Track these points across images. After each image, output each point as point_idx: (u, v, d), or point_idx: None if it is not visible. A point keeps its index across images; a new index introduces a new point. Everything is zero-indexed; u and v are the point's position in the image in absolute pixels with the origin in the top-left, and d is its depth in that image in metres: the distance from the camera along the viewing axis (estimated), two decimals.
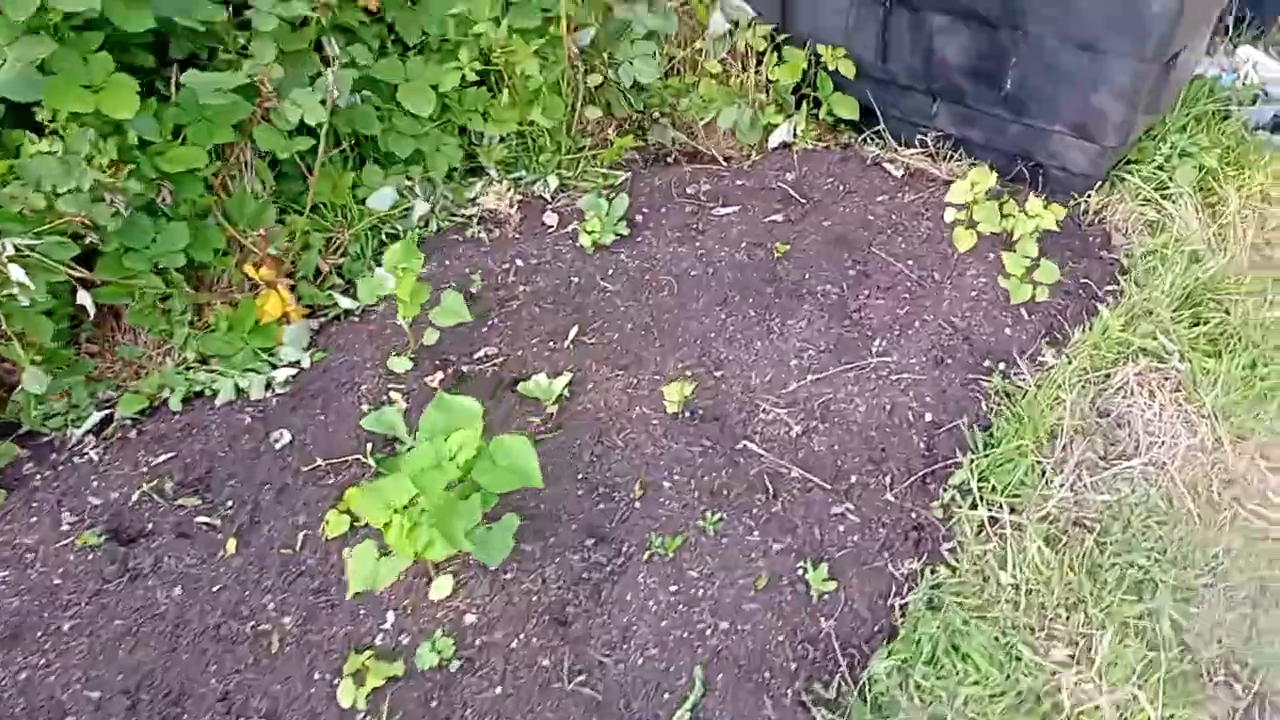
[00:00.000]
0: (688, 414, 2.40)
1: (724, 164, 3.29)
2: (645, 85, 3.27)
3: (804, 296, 2.71)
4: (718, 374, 2.50)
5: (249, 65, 2.58)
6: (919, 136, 3.27)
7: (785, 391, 2.44)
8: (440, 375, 2.53)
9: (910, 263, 2.79)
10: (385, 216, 2.95)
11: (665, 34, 3.28)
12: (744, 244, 2.89)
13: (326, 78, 2.67)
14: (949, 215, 2.75)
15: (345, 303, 2.75)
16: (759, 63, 3.35)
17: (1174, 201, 3.02)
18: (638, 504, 2.21)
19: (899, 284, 2.73)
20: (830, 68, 3.19)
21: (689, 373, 2.50)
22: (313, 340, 2.68)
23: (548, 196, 3.17)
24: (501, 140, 3.20)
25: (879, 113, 3.32)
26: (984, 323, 2.61)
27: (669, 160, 3.42)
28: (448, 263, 2.89)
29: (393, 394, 2.47)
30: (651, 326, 2.64)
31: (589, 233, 2.87)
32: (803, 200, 3.07)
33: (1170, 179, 3.07)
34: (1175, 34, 2.55)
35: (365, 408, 2.43)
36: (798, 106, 3.39)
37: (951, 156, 3.24)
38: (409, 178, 3.04)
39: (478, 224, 3.03)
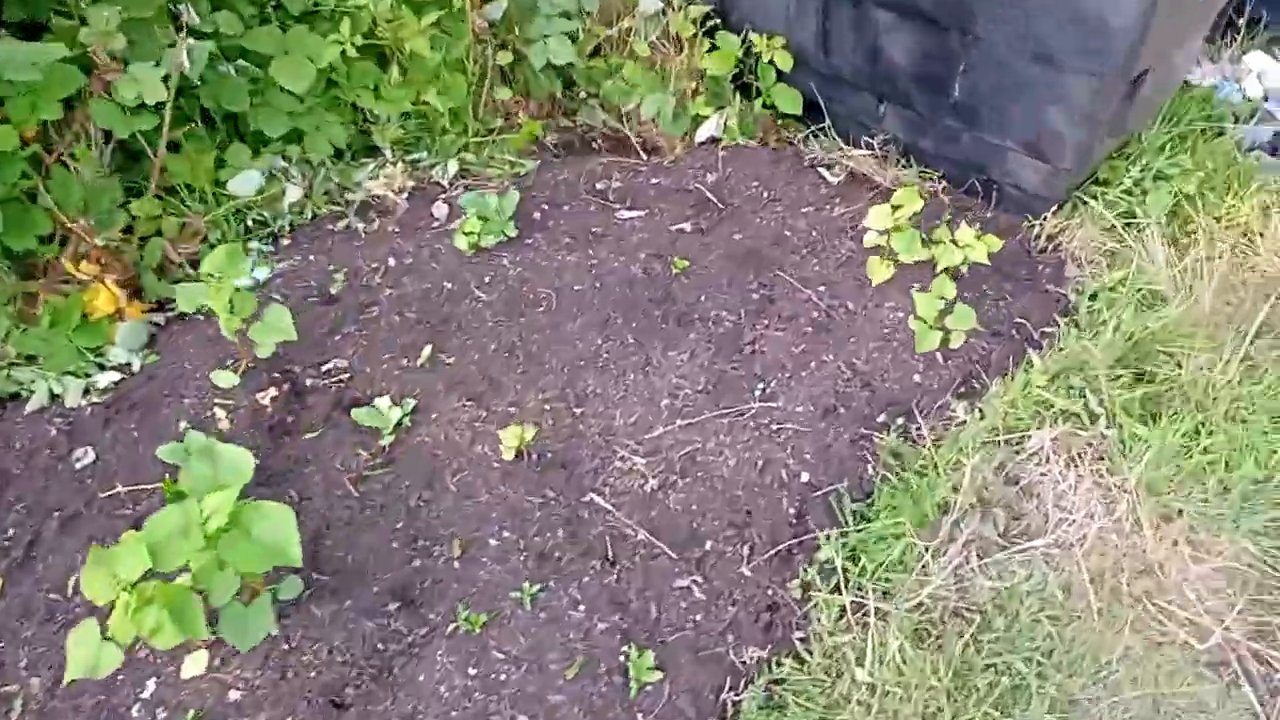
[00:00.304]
0: (534, 456, 2.13)
1: (644, 158, 2.97)
2: (560, 66, 2.94)
3: (694, 323, 2.41)
4: (578, 410, 2.22)
5: (84, 33, 2.30)
6: (865, 139, 2.92)
7: (649, 437, 2.16)
8: (273, 392, 2.27)
9: (822, 289, 2.48)
10: (251, 202, 2.67)
11: (586, 10, 2.94)
12: (642, 255, 2.58)
13: (180, 48, 2.39)
14: (868, 239, 2.42)
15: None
16: (711, 36, 3.01)
17: (1140, 231, 2.67)
18: (456, 564, 1.95)
19: (804, 314, 2.42)
20: (766, 58, 2.84)
21: (548, 406, 2.23)
22: (153, 339, 2.43)
23: (444, 183, 2.88)
24: (401, 118, 2.90)
25: (824, 109, 2.97)
26: (891, 367, 2.29)
27: (593, 146, 3.11)
28: (313, 257, 2.62)
29: (218, 410, 2.23)
30: (518, 348, 2.36)
31: (466, 234, 2.58)
32: (719, 206, 2.75)
33: (1140, 205, 2.70)
34: (1141, 51, 2.18)
35: (184, 426, 2.19)
36: (743, 96, 3.05)
37: (900, 162, 2.89)
38: (285, 158, 2.76)
39: (356, 214, 2.75)
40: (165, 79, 2.34)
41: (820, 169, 2.86)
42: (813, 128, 3.02)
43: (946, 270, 2.35)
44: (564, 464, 2.12)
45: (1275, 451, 2.16)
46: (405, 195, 2.82)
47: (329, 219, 2.75)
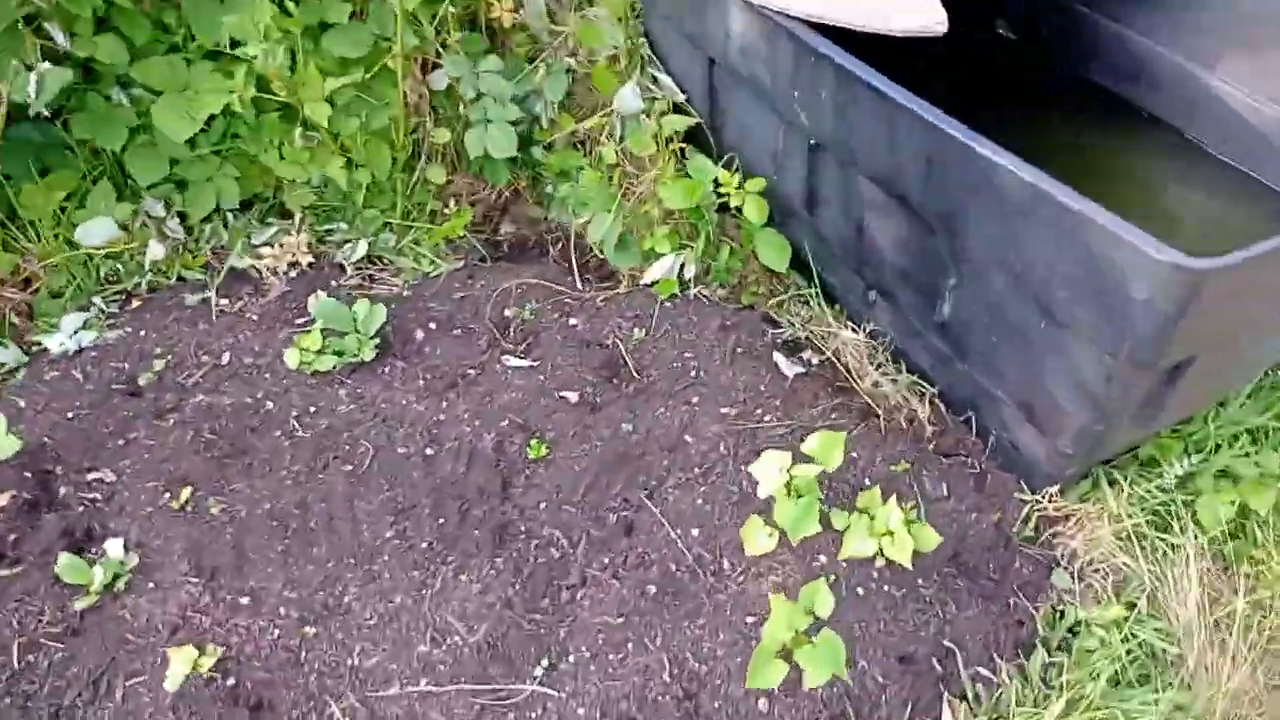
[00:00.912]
0: (223, 681, 1.65)
1: (580, 287, 2.43)
2: (502, 160, 2.45)
3: (516, 539, 1.86)
4: (311, 630, 1.73)
5: None
6: (852, 325, 2.29)
7: (375, 696, 1.64)
8: (6, 498, 1.90)
9: (695, 534, 1.88)
10: (112, 251, 2.32)
11: (550, 99, 2.43)
12: (504, 423, 2.06)
13: (30, 74, 2.05)
14: (760, 488, 1.79)
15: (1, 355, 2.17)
16: (681, 158, 2.44)
17: (1173, 552, 1.92)
18: None
19: (660, 563, 1.83)
20: (734, 203, 2.25)
21: (281, 611, 1.75)
22: None
23: (346, 266, 2.45)
24: (316, 183, 2.49)
25: (813, 272, 2.35)
26: (733, 677, 1.68)
27: (546, 252, 2.60)
28: (144, 333, 2.23)
29: None
30: (294, 517, 1.89)
31: (302, 349, 2.13)
32: (629, 376, 2.19)
33: (1185, 511, 1.96)
34: (1173, 338, 1.47)
35: None
36: (722, 225, 2.46)
37: (891, 363, 2.24)
38: (168, 205, 2.40)
39: (221, 288, 2.34)
40: None
41: (779, 353, 2.23)
42: (793, 292, 2.40)
43: (848, 563, 1.71)
44: (257, 704, 1.63)
45: None
46: (292, 273, 2.40)
47: (189, 287, 2.36)
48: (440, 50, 2.38)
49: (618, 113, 2.41)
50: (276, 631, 1.72)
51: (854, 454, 2.00)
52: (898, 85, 1.72)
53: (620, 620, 1.74)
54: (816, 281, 2.36)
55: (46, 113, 2.15)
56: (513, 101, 2.38)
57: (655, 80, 2.42)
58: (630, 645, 1.71)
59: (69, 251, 2.27)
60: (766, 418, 2.09)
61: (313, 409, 2.08)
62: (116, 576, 1.79)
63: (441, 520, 1.88)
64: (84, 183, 2.35)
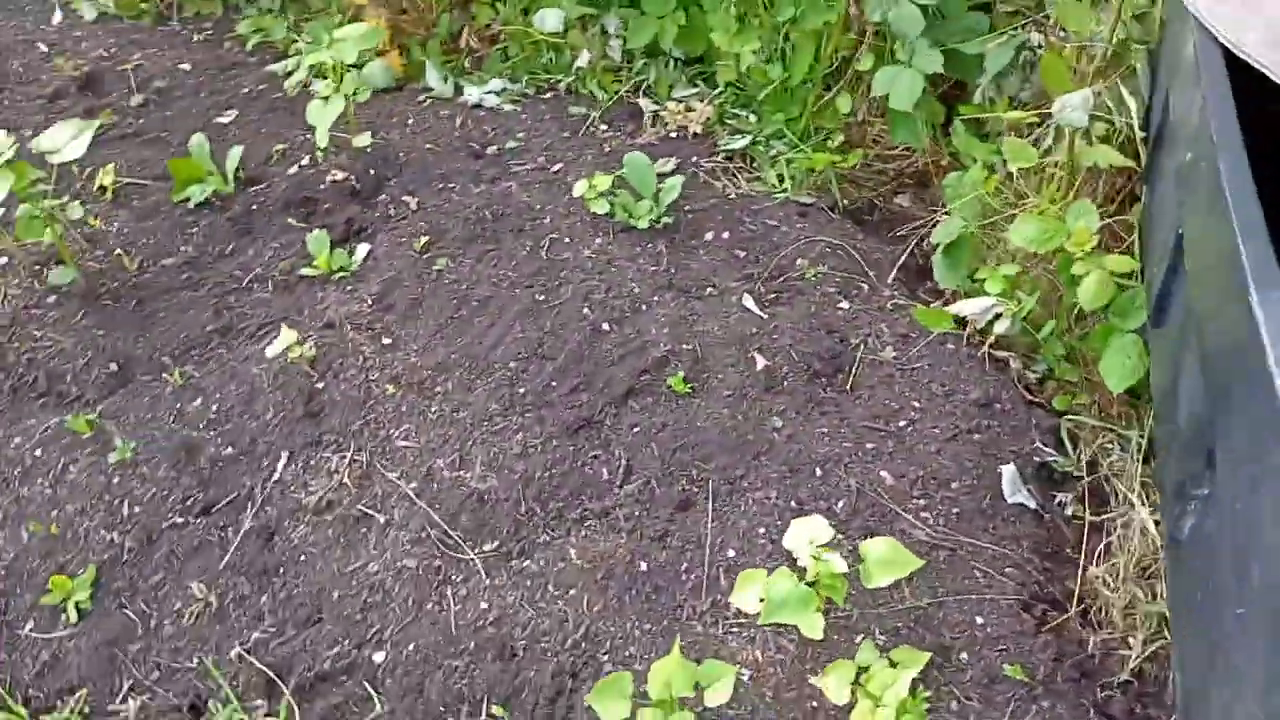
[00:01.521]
0: (300, 367, 1.85)
1: (884, 283, 2.07)
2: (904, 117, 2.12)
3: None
4: (414, 378, 1.84)
5: None
6: (1154, 513, 1.62)
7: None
8: (345, 175, 2.29)
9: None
10: (553, 44, 2.56)
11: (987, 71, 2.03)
12: (732, 348, 1.89)
13: None
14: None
15: None
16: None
17: None
18: None
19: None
20: (1078, 270, 1.68)
21: (404, 355, 1.88)
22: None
23: (719, 149, 2.40)
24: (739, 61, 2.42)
25: (1150, 434, 1.69)
26: None
27: (884, 231, 2.28)
28: (524, 116, 2.46)
29: None
30: (480, 305, 1.98)
31: (591, 183, 2.14)
32: (842, 382, 1.84)
33: None
34: None
35: None
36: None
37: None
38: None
39: (604, 114, 2.47)
40: None
41: (1030, 491, 1.69)
42: (1113, 427, 1.76)
43: None
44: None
45: None
46: (673, 133, 2.43)
47: (587, 102, 2.52)
48: None
49: (1056, 118, 1.92)
50: (373, 359, 1.87)
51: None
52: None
53: None
54: (1147, 437, 1.70)
55: None
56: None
57: (1122, 101, 1.86)
58: None
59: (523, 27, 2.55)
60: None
61: (567, 238, 2.12)
62: (342, 269, 2.08)
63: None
64: None
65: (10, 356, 1.92)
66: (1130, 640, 1.52)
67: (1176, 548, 1.32)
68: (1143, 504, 1.66)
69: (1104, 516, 1.68)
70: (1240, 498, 1.05)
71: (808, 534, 1.35)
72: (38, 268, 2.03)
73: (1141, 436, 1.72)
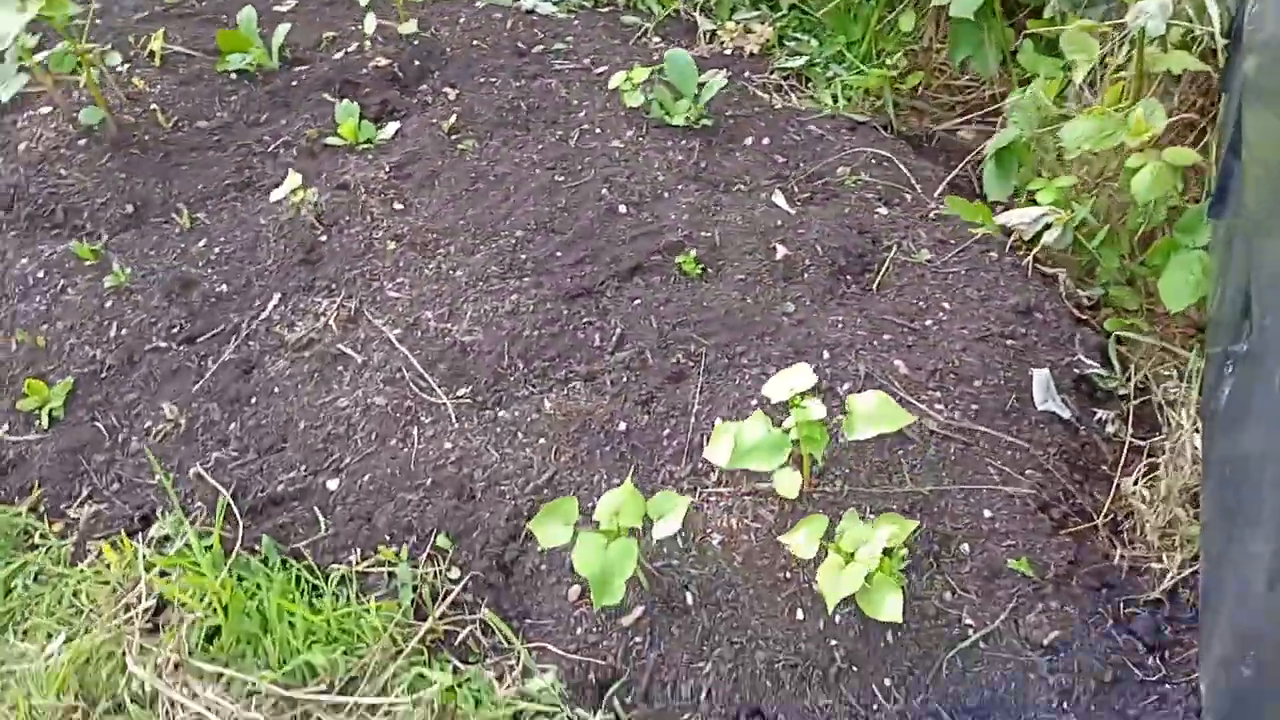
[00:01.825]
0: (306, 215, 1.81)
1: (918, 189, 1.93)
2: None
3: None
4: (420, 239, 1.77)
5: None
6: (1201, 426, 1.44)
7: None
8: (389, 61, 2.27)
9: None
10: None
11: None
12: (752, 237, 1.79)
13: None
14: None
15: None
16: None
17: None
18: None
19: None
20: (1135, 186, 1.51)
21: (412, 222, 1.83)
22: None
23: (774, 67, 2.30)
24: None
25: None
26: None
27: (935, 149, 2.14)
28: (575, 22, 2.41)
29: None
30: (499, 181, 1.92)
31: (628, 76, 2.06)
32: (868, 282, 1.70)
33: None
34: None
35: None
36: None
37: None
38: None
39: (657, 26, 2.40)
40: None
41: (1066, 401, 1.52)
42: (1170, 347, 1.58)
43: None
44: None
45: None
46: (728, 51, 2.35)
47: (643, 14, 2.46)
48: None
49: (1130, 25, 1.76)
50: (381, 220, 1.81)
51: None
52: None
53: None
54: (1209, 345, 1.51)
55: None
56: None
57: (1204, 7, 1.69)
58: None
59: None
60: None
61: (598, 129, 2.05)
62: (368, 141, 2.04)
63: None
64: None
65: (33, 188, 1.92)
66: (1165, 559, 1.34)
67: (1214, 420, 1.15)
68: (1196, 432, 1.48)
69: (1151, 440, 1.50)
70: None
71: (790, 382, 1.22)
72: (75, 113, 2.05)
73: (1200, 366, 1.54)
